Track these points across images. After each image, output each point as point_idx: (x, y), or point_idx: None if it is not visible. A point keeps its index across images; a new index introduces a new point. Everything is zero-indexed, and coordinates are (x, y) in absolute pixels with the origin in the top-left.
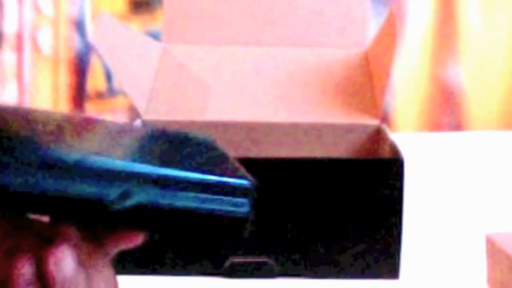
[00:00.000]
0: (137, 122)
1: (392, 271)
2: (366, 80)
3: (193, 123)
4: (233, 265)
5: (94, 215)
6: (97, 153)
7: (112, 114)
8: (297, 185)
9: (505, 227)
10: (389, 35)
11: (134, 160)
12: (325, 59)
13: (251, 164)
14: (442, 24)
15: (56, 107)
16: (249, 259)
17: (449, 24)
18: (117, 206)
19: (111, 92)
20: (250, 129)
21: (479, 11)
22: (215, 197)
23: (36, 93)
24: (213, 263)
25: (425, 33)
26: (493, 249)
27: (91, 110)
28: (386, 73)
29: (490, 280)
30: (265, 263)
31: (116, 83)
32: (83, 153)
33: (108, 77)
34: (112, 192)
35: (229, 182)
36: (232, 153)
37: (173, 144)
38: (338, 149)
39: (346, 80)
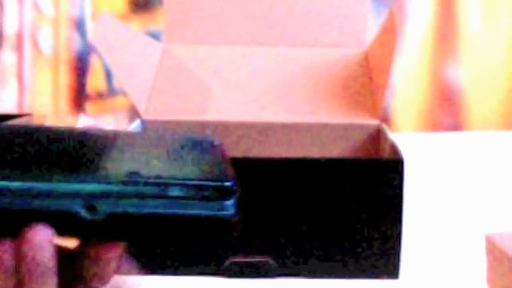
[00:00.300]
0: (137, 122)
1: (392, 271)
2: (366, 80)
3: (193, 123)
4: (233, 264)
5: (72, 228)
6: (64, 170)
7: (112, 114)
8: (297, 185)
9: (505, 227)
10: (389, 35)
11: (100, 171)
12: (325, 59)
13: (251, 164)
14: (442, 24)
15: (56, 107)
16: (249, 259)
17: (449, 24)
18: (88, 218)
19: (111, 92)
20: (250, 129)
21: (479, 11)
22: (192, 201)
23: (36, 93)
24: (213, 262)
25: (425, 33)
26: (493, 249)
27: (91, 110)
28: (386, 73)
29: (490, 280)
30: (265, 263)
31: (116, 83)
32: (48, 173)
33: (108, 77)
34: (79, 207)
35: (207, 185)
36: (232, 153)
37: (161, 149)
38: (338, 149)
39: (346, 80)
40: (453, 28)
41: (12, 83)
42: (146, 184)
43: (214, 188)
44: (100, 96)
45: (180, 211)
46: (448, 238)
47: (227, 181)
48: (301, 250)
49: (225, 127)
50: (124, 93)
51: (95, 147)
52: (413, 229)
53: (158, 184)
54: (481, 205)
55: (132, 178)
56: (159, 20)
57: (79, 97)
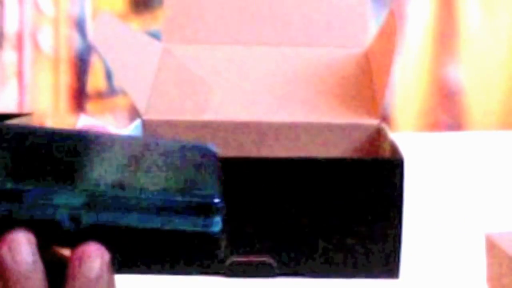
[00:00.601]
0: (137, 122)
1: (392, 271)
2: (366, 80)
3: (193, 123)
4: (233, 264)
5: (55, 236)
6: (51, 179)
7: (112, 113)
8: (297, 185)
9: (505, 227)
10: (389, 35)
11: (87, 182)
12: (325, 59)
13: (251, 164)
14: (442, 24)
15: (56, 107)
16: (250, 259)
17: (449, 24)
18: (72, 228)
19: (112, 91)
20: (250, 129)
21: (479, 11)
22: (177, 216)
23: (37, 92)
24: (213, 262)
25: (425, 33)
26: (493, 249)
27: (91, 109)
28: (386, 73)
29: (490, 279)
30: (265, 263)
31: (116, 83)
32: (35, 182)
33: (109, 76)
34: (63, 217)
35: (193, 201)
36: (233, 153)
37: (153, 158)
38: (338, 149)
39: (346, 80)
40: (453, 28)
41: (13, 82)
42: (130, 198)
43: (201, 205)
44: (100, 95)
45: (164, 226)
46: (448, 238)
47: (214, 198)
48: (301, 250)
49: (225, 127)
50: (124, 93)
51: (86, 153)
52: (413, 229)
53: (142, 199)
54: (481, 205)
55: (117, 191)
56: (159, 20)
57: (79, 97)
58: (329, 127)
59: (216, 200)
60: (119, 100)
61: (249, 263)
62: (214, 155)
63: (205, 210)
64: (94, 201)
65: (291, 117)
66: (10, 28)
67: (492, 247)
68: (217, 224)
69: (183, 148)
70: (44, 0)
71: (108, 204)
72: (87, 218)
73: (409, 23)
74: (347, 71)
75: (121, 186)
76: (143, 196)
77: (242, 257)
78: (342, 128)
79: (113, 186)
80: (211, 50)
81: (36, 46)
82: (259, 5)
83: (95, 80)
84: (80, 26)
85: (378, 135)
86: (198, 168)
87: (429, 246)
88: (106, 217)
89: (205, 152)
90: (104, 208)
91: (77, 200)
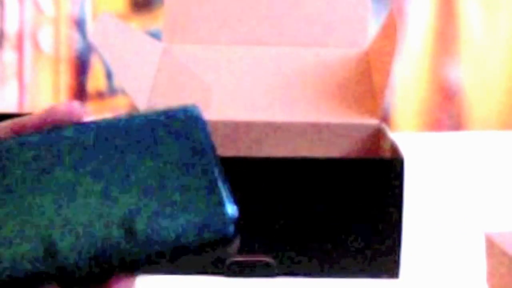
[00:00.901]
0: None
1: (392, 271)
2: (366, 80)
3: None
4: (233, 264)
5: (74, 280)
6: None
7: (112, 113)
8: (297, 185)
9: (505, 227)
10: (389, 35)
11: (95, 231)
12: (325, 59)
13: (251, 164)
14: (442, 24)
15: None
16: (250, 258)
17: (449, 24)
18: (84, 272)
19: (112, 91)
20: (250, 129)
21: (479, 11)
22: (196, 237)
23: (37, 92)
24: (213, 262)
25: (425, 33)
26: (493, 249)
27: (91, 109)
28: (386, 73)
29: (490, 279)
30: (265, 262)
31: (116, 83)
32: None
33: (109, 76)
34: (78, 267)
35: (210, 239)
36: (232, 153)
37: (146, 161)
38: (338, 149)
39: (346, 80)
40: (453, 28)
41: (13, 82)
42: (143, 250)
43: (220, 239)
44: (100, 95)
45: (179, 245)
46: (448, 237)
47: (229, 228)
48: (301, 249)
49: (225, 127)
50: (124, 93)
51: (72, 186)
52: (413, 229)
53: (156, 248)
54: (481, 205)
55: (129, 239)
56: (159, 20)
57: (80, 97)
58: (329, 127)
59: (231, 229)
60: (119, 100)
61: (249, 263)
62: (199, 120)
63: (223, 239)
64: (108, 256)
65: (291, 117)
66: (10, 28)
67: (492, 247)
68: (231, 227)
69: (162, 124)
70: (44, 0)
71: (122, 254)
72: (100, 265)
73: (409, 23)
74: (347, 71)
75: (131, 231)
76: (155, 247)
77: (242, 257)
78: (342, 128)
79: (124, 231)
80: (211, 50)
81: (36, 46)
82: (259, 5)
83: (95, 80)
84: (80, 26)
85: (378, 135)
86: (198, 175)
87: (429, 246)
88: (119, 260)
89: (187, 121)
90: (119, 258)
91: (92, 255)
